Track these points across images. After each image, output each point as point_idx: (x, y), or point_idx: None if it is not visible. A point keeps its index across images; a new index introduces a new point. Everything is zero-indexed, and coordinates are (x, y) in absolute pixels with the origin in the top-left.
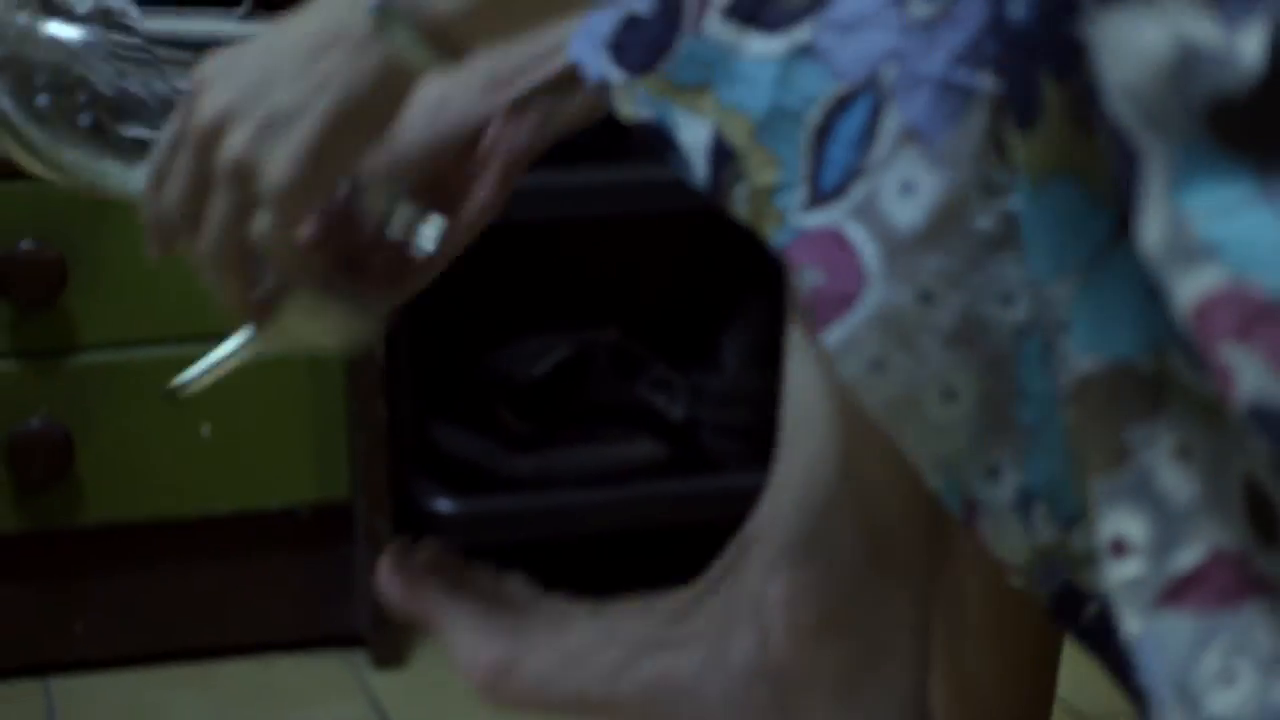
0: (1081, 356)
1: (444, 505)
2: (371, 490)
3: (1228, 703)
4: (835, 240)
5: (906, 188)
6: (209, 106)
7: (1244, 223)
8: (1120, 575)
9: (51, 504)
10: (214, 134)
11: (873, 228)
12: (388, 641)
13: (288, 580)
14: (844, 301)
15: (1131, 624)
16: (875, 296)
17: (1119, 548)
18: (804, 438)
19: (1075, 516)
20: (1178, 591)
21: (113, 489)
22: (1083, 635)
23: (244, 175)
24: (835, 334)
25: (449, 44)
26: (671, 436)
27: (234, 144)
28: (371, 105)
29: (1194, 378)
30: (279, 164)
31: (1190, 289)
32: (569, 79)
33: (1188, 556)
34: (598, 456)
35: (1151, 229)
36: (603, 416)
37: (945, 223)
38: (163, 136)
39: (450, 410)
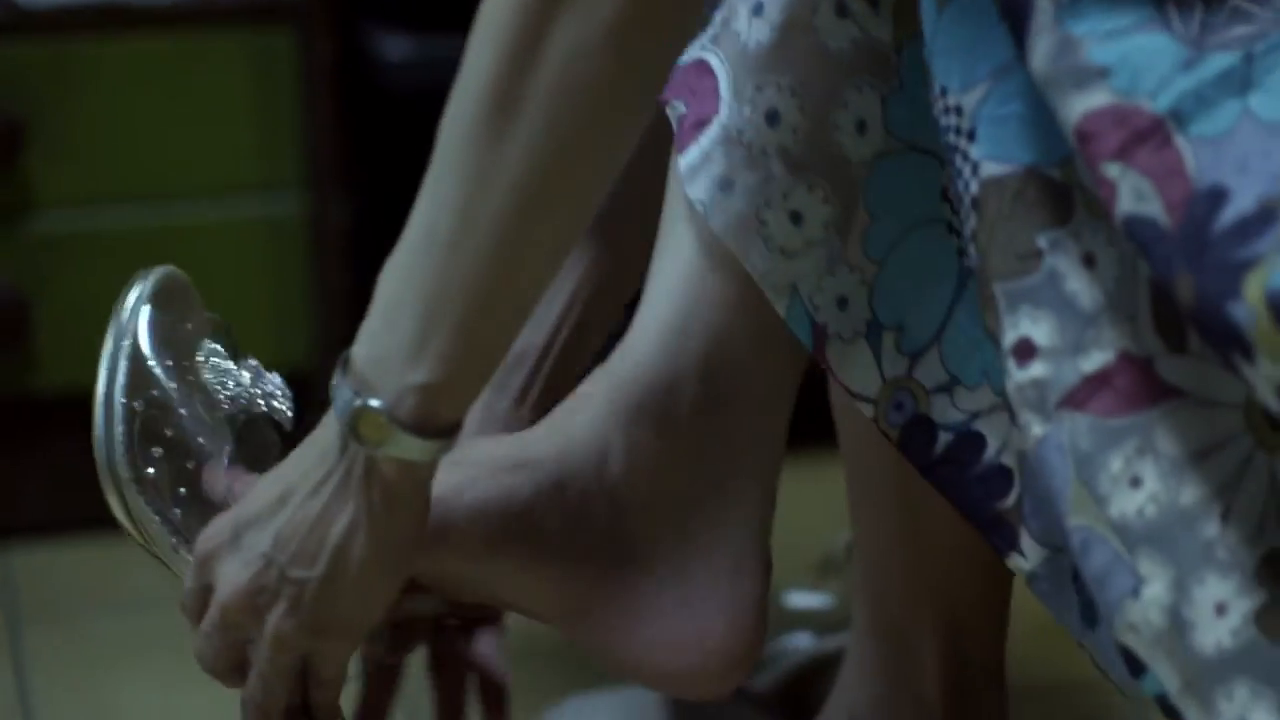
0: (989, 163)
1: None
2: (332, 359)
3: (1134, 504)
4: (699, 69)
5: (757, 9)
6: (229, 582)
7: (1133, 45)
8: (1024, 378)
9: (7, 370)
10: (245, 611)
11: (727, 50)
12: None
13: None
14: (699, 125)
15: (1034, 428)
16: (724, 117)
17: (1024, 350)
18: (666, 279)
19: (922, 349)
20: (1083, 395)
21: (70, 355)
22: (932, 469)
23: (289, 647)
24: (687, 157)
25: (439, 422)
26: None
27: (275, 626)
28: (395, 536)
29: (1097, 191)
30: (332, 655)
31: (1077, 108)
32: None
33: (1094, 359)
34: None
35: (1040, 51)
36: None
37: (791, 38)
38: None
39: None
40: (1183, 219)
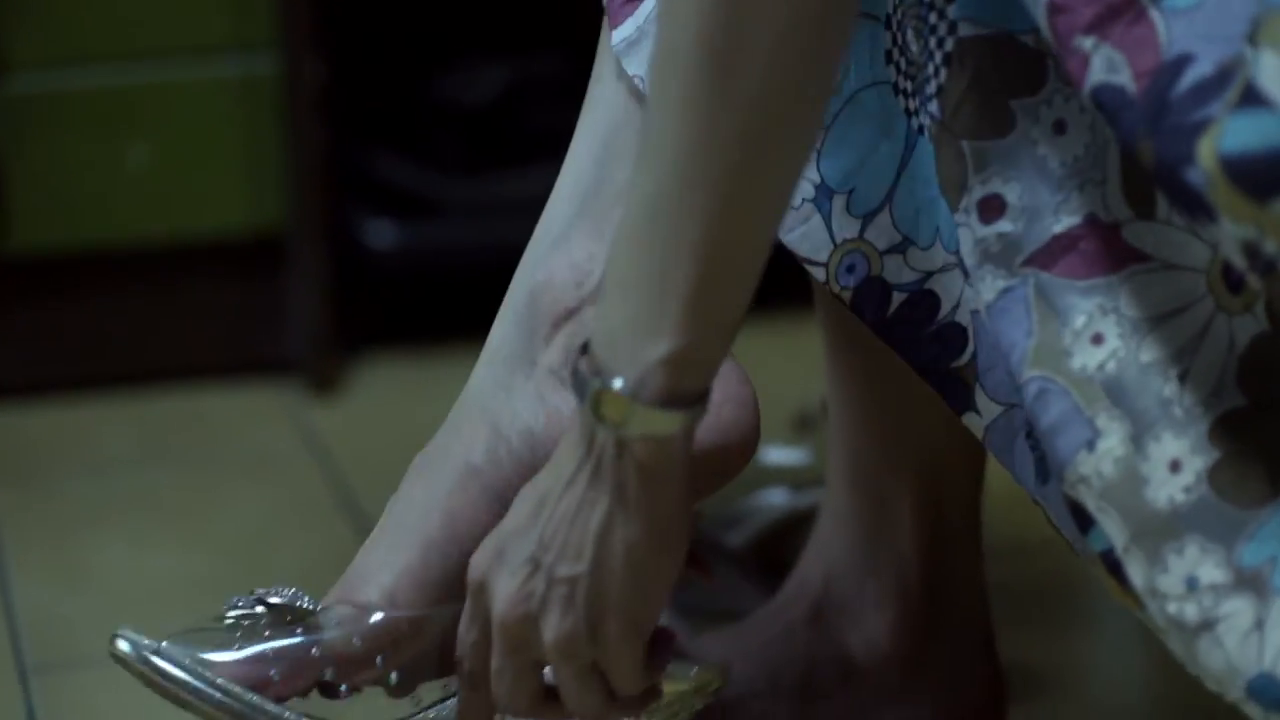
0: (966, 24)
1: (381, 234)
2: (306, 217)
3: (1095, 359)
4: None
5: None
6: (501, 598)
7: None
8: (990, 233)
9: None
10: (522, 621)
11: None
12: (320, 369)
13: (220, 308)
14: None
15: (997, 281)
16: None
17: (993, 206)
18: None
19: (873, 211)
20: (1049, 255)
21: (42, 216)
22: (887, 329)
23: (573, 652)
24: (622, 31)
25: (685, 392)
26: None
27: (555, 632)
28: (658, 514)
29: (1065, 63)
30: (619, 656)
31: None
32: None
33: (1062, 222)
34: (540, 185)
35: None
36: (545, 144)
37: None
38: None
39: (388, 137)
40: (1148, 86)
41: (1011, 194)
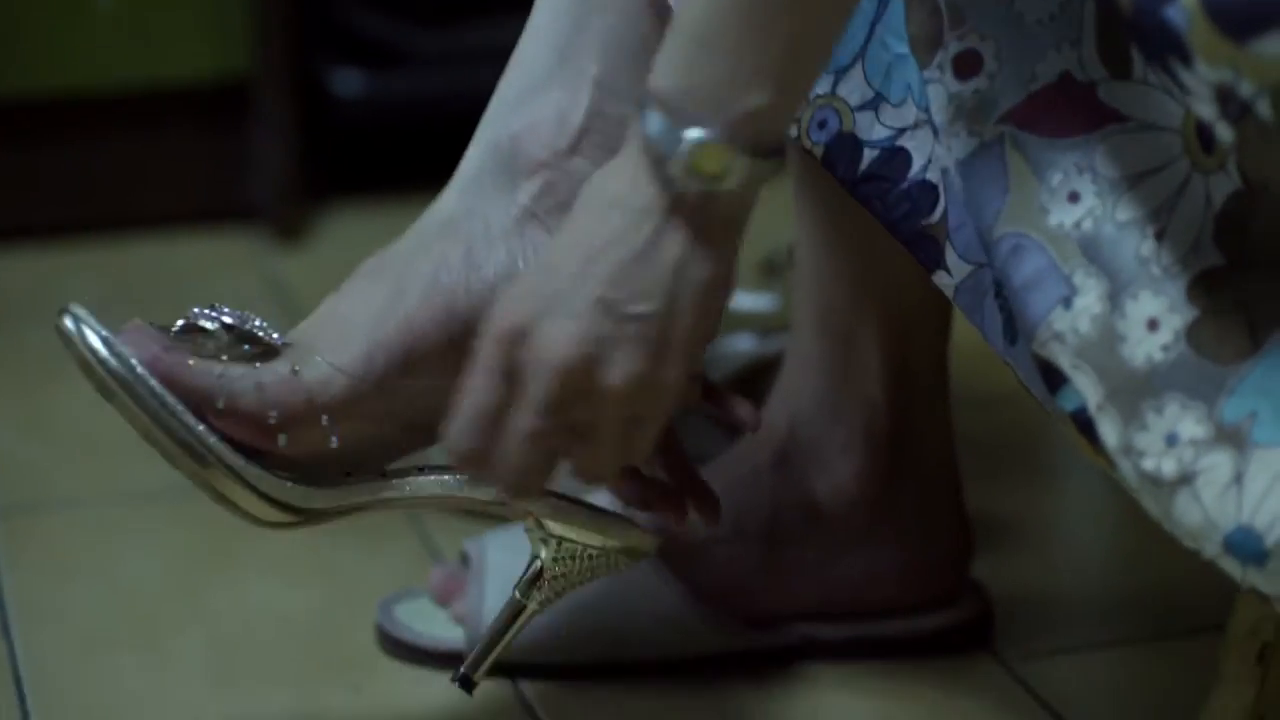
0: None
1: (348, 82)
2: (272, 65)
3: (1071, 217)
4: None
5: None
6: (560, 344)
7: None
8: (965, 89)
9: None
10: (582, 371)
11: None
12: (286, 218)
13: (186, 156)
14: None
15: (971, 138)
16: None
17: (969, 62)
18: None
19: (845, 67)
20: (1025, 112)
21: (9, 63)
22: (858, 185)
23: (638, 396)
24: None
25: (773, 142)
26: None
27: (623, 374)
28: (729, 256)
29: None
30: (662, 408)
31: None
32: None
33: (1038, 80)
34: (509, 34)
35: None
36: None
37: None
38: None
39: None
40: None
41: (987, 51)
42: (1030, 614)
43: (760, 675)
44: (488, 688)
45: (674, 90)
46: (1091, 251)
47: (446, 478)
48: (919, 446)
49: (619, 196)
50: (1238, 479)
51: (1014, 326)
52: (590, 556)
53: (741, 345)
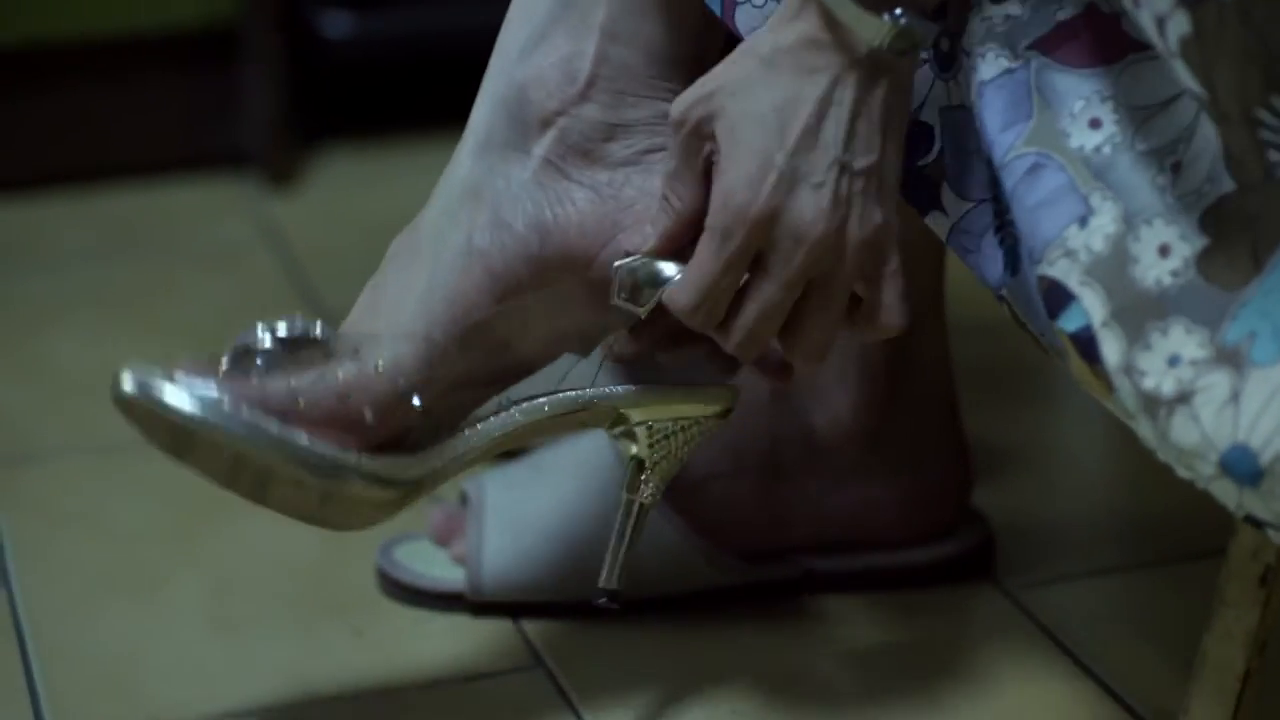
0: None
1: (336, 24)
2: (260, 7)
3: (1092, 141)
4: None
5: None
6: (812, 216)
7: None
8: (999, 13)
9: None
10: (833, 236)
11: None
12: (277, 162)
13: (175, 101)
14: None
15: (1000, 60)
16: None
17: None
18: None
19: None
20: (1053, 41)
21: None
22: None
23: (879, 243)
24: None
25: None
26: None
27: (864, 227)
28: (909, 96)
29: None
30: (894, 230)
31: None
32: None
33: (1066, 9)
34: None
35: None
36: None
37: None
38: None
39: None
40: None
41: None
42: (1032, 541)
43: (761, 609)
44: (489, 627)
45: None
46: (1110, 176)
47: (542, 399)
48: (917, 376)
49: (814, 64)
50: (1234, 397)
51: (1017, 256)
52: (683, 429)
53: None
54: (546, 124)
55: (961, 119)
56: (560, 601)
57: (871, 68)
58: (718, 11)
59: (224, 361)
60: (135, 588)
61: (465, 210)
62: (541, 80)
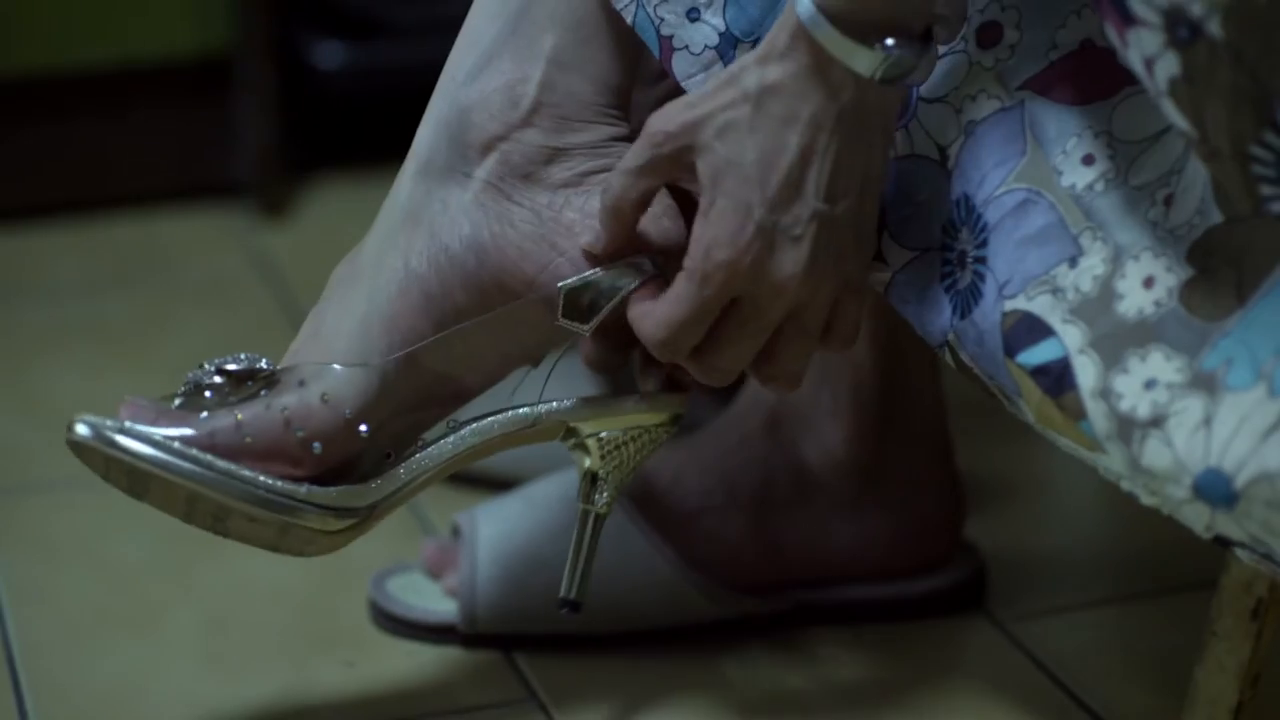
0: None
1: (329, 55)
2: (253, 38)
3: (1085, 179)
4: None
5: None
6: (791, 269)
7: None
8: (989, 57)
9: None
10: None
11: None
12: (270, 192)
13: (168, 132)
14: None
15: (993, 100)
16: None
17: (991, 32)
18: None
19: None
20: (1047, 80)
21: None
22: None
23: (851, 286)
24: None
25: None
26: None
27: (844, 274)
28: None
29: None
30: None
31: None
32: None
33: (1059, 47)
34: None
35: None
36: None
37: None
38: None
39: None
40: None
41: (1008, 21)
42: (1024, 573)
43: (754, 642)
44: (481, 660)
45: (847, 14)
46: (1102, 214)
47: (492, 419)
48: (909, 409)
49: (799, 110)
50: (1207, 421)
51: (970, 299)
52: (634, 438)
53: None
54: (488, 148)
55: (911, 167)
56: (554, 633)
57: (856, 110)
58: (656, 54)
59: (176, 400)
60: (128, 621)
61: (404, 234)
62: (485, 104)
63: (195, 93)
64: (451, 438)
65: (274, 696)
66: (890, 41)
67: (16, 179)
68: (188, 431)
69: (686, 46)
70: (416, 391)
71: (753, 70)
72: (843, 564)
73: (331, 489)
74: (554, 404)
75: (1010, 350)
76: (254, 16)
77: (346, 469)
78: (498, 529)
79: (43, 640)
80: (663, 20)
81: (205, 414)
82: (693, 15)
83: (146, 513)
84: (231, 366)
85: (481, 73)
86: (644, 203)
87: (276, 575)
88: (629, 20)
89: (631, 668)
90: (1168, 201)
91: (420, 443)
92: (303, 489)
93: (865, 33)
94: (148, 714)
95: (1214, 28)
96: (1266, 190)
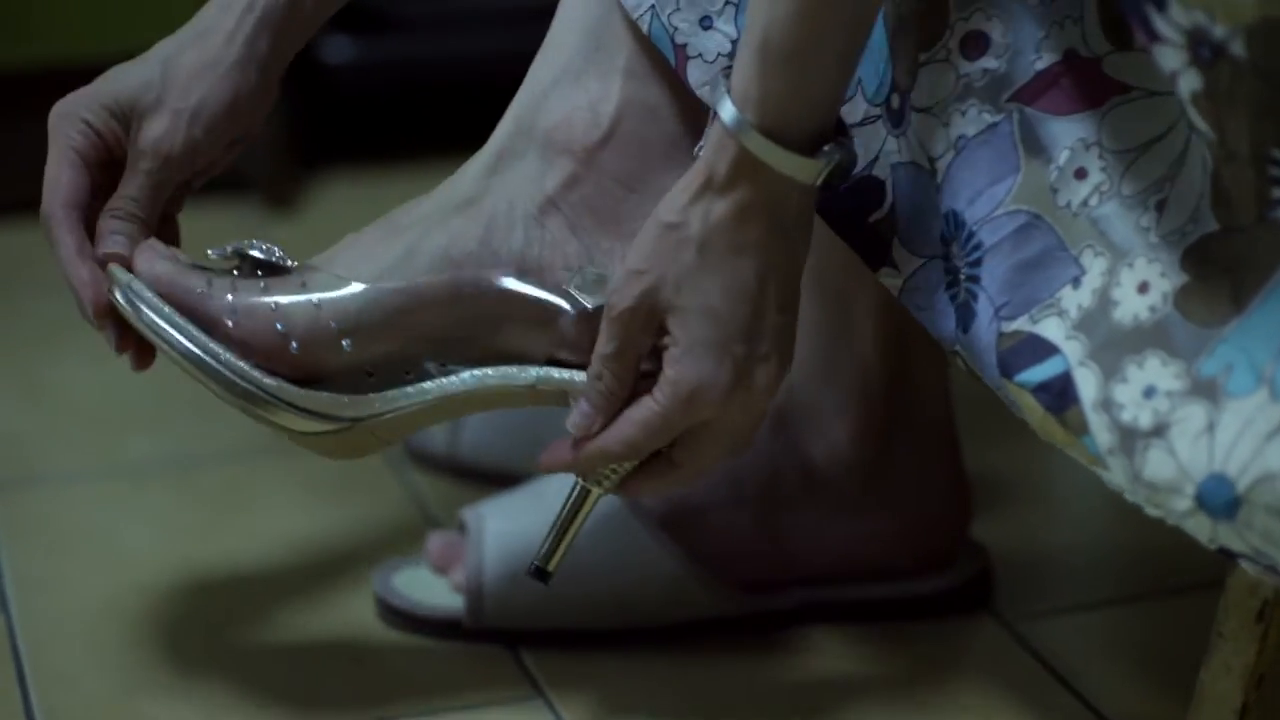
0: None
1: (338, 49)
2: None
3: (1080, 195)
4: None
5: None
6: (762, 399)
7: None
8: (975, 69)
9: None
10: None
11: None
12: (278, 187)
13: None
14: None
15: (983, 115)
16: None
17: (977, 43)
18: None
19: None
20: (1034, 90)
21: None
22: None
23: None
24: None
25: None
26: None
27: (770, 382)
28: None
29: None
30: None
31: None
32: None
33: (1044, 57)
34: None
35: None
36: None
37: None
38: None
39: None
40: None
41: (995, 31)
42: (1030, 573)
43: (759, 639)
44: (487, 656)
45: (787, 115)
46: (1098, 229)
47: (484, 370)
48: (915, 407)
49: (744, 239)
50: (1210, 428)
51: (969, 313)
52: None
53: None
54: (563, 164)
55: (913, 175)
56: (559, 629)
57: (795, 218)
58: (671, 62)
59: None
60: (134, 615)
61: (457, 219)
62: (570, 122)
63: None
64: (449, 379)
65: (280, 690)
66: (828, 147)
67: (23, 170)
68: (181, 296)
69: (700, 55)
70: (404, 345)
71: (691, 213)
72: (848, 562)
73: (301, 389)
74: (553, 372)
75: (1008, 371)
76: None
77: (325, 380)
78: (504, 525)
79: (48, 632)
80: (677, 29)
81: (209, 284)
82: (705, 23)
83: (153, 504)
84: (254, 253)
85: (568, 88)
86: (635, 376)
87: (282, 569)
88: (644, 29)
89: (636, 664)
90: (1160, 206)
91: (408, 377)
92: (271, 380)
93: (806, 143)
94: (152, 706)
95: (1237, 48)
96: (1278, 193)
